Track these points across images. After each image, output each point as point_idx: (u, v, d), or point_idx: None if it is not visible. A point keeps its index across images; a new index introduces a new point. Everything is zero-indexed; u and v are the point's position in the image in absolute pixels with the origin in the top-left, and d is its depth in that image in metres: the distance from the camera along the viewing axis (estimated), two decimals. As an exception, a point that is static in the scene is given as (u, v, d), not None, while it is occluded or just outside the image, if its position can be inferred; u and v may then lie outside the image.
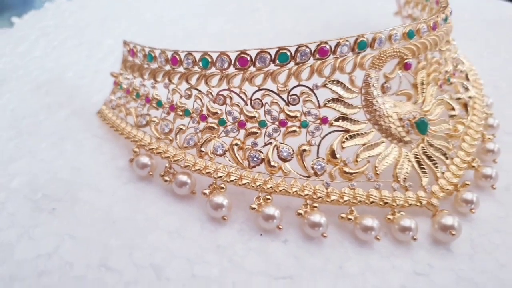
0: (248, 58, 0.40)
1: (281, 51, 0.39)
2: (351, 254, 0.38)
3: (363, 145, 0.41)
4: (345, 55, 0.40)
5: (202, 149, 0.43)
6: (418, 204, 0.41)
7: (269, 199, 0.41)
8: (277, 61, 0.40)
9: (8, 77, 0.59)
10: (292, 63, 0.40)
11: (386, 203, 0.40)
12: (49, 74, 0.60)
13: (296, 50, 0.39)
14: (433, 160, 0.43)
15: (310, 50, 0.40)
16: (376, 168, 0.41)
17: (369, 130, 0.42)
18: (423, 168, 0.42)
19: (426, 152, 0.43)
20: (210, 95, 0.42)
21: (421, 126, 0.42)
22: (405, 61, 0.42)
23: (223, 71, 0.41)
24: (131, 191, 0.43)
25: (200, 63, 0.42)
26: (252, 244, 0.39)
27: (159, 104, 0.46)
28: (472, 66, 0.58)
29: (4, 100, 0.55)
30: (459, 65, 0.52)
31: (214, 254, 0.38)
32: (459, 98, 0.49)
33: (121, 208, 0.41)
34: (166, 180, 0.43)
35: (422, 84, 0.45)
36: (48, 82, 0.58)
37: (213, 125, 0.43)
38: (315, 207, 0.40)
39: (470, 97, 0.50)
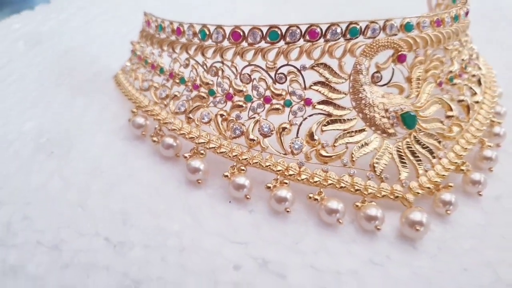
0: (241, 33, 0.42)
1: (272, 29, 0.41)
2: (312, 234, 0.39)
3: (344, 130, 0.42)
4: (336, 40, 0.41)
5: (190, 115, 0.45)
6: (392, 196, 0.40)
7: (243, 170, 0.42)
8: (268, 39, 0.41)
9: (44, 40, 0.65)
10: (282, 42, 0.41)
11: (357, 190, 0.40)
12: (79, 41, 0.65)
13: (287, 30, 0.41)
14: (417, 156, 0.42)
15: (301, 31, 0.40)
16: (353, 155, 0.41)
17: (353, 117, 0.42)
18: (404, 163, 0.42)
19: (410, 147, 0.42)
20: (204, 66, 0.45)
21: (407, 119, 0.42)
22: (399, 53, 0.42)
23: (218, 44, 0.43)
24: (124, 147, 0.47)
25: (199, 35, 0.44)
26: (219, 208, 0.41)
27: (161, 71, 0.49)
28: (492, 73, 0.55)
29: (37, 60, 0.61)
30: (469, 67, 0.50)
31: (180, 212, 0.40)
32: (461, 100, 0.47)
33: (110, 160, 0.45)
34: (154, 141, 0.46)
35: (418, 79, 0.44)
36: (78, 47, 0.63)
37: (203, 94, 0.45)
38: (286, 183, 0.41)
39: (476, 102, 0.48)
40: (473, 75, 0.51)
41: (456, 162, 0.44)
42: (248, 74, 0.43)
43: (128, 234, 0.38)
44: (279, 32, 0.41)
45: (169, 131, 0.45)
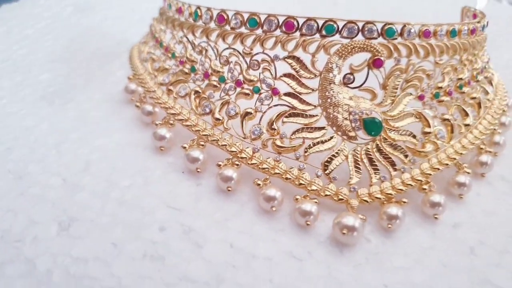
0: (225, 17, 0.44)
1: (252, 16, 0.42)
2: (245, 215, 0.40)
3: (304, 125, 0.42)
4: (312, 35, 0.41)
5: (171, 87, 0.48)
6: (335, 198, 0.40)
7: (202, 145, 0.44)
8: (248, 25, 0.43)
9: (88, 8, 0.72)
10: (260, 30, 0.42)
11: (301, 184, 0.40)
12: (117, 13, 0.72)
13: (266, 19, 0.42)
14: (375, 165, 0.41)
15: (278, 22, 0.41)
16: (306, 150, 0.41)
17: (316, 114, 0.42)
18: (358, 168, 0.41)
19: (370, 154, 0.41)
20: (193, 44, 0.47)
21: (370, 125, 0.41)
22: (375, 57, 0.41)
23: (206, 25, 0.46)
24: (112, 108, 0.51)
25: (193, 15, 0.47)
26: (170, 176, 0.43)
27: (161, 45, 0.53)
28: (503, 102, 0.51)
29: (75, 25, 0.68)
30: (466, 88, 0.47)
31: (134, 172, 0.43)
32: (446, 119, 0.44)
33: (95, 116, 0.50)
34: (137, 106, 0.50)
35: (395, 88, 0.42)
36: (114, 18, 0.70)
37: (186, 70, 0.48)
38: (237, 164, 0.42)
39: (466, 125, 0.46)
40: (473, 98, 0.48)
41: (419, 180, 0.42)
42: (226, 56, 0.45)
43: (83, 180, 0.42)
44: (258, 20, 0.42)
45: (150, 99, 0.49)
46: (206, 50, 0.46)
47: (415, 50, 0.42)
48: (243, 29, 0.43)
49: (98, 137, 0.47)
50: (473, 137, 0.46)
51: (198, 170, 0.43)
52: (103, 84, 0.55)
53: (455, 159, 0.43)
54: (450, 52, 0.44)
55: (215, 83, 0.45)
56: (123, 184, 0.42)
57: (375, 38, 0.41)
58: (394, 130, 0.42)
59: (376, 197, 0.40)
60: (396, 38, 0.41)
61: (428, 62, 0.43)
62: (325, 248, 0.38)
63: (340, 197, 0.40)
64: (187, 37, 0.48)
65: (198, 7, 0.46)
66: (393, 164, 0.42)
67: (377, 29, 0.41)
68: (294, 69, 0.42)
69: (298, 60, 0.42)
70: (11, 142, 0.45)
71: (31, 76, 0.56)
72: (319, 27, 0.41)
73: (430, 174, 0.42)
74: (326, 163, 0.41)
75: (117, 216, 0.39)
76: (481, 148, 0.46)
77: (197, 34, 0.47)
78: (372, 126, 0.41)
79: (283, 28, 0.41)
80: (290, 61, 0.42)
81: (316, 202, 0.40)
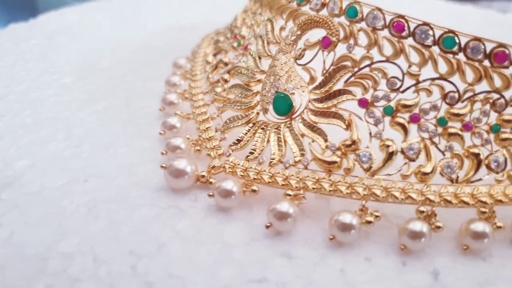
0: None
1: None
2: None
3: (245, 83, 0.40)
4: (290, 2, 0.40)
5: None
6: (207, 152, 0.38)
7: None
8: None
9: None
10: None
11: (199, 129, 0.40)
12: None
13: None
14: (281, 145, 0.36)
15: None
16: (225, 104, 0.40)
17: (258, 77, 0.40)
18: (254, 138, 0.36)
19: (264, 129, 0.36)
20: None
21: (277, 102, 0.36)
22: (326, 36, 0.35)
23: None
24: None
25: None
26: (153, 133, 0.44)
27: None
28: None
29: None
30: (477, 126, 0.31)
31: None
32: (386, 146, 0.32)
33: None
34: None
35: (336, 79, 0.34)
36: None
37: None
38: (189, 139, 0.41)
39: (425, 173, 0.31)
40: (474, 154, 0.32)
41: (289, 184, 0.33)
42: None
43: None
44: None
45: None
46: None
47: (372, 41, 0.33)
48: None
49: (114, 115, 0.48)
50: (416, 191, 0.31)
51: (161, 133, 0.43)
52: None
53: (364, 196, 0.31)
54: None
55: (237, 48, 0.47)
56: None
57: (336, 16, 0.35)
58: (307, 122, 0.35)
59: (234, 171, 0.35)
60: (358, 22, 0.34)
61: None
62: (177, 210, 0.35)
63: (209, 152, 0.37)
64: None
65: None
66: (280, 147, 0.35)
67: (340, 7, 0.35)
68: (266, 31, 0.41)
69: (271, 24, 0.41)
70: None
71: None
72: (299, -5, 0.39)
73: (306, 187, 0.32)
74: (227, 120, 0.39)
75: (91, 136, 0.44)
76: (422, 211, 0.30)
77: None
78: (279, 104, 0.36)
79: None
80: (267, 23, 0.41)
81: (198, 149, 0.39)
